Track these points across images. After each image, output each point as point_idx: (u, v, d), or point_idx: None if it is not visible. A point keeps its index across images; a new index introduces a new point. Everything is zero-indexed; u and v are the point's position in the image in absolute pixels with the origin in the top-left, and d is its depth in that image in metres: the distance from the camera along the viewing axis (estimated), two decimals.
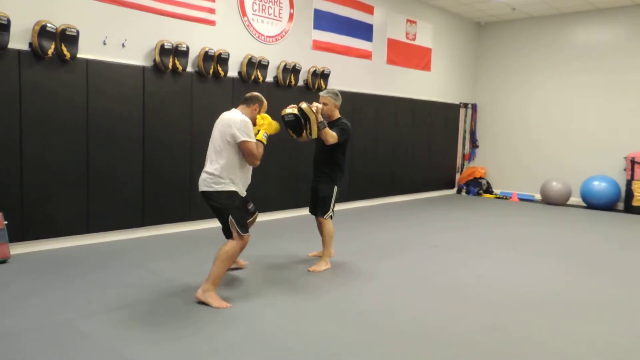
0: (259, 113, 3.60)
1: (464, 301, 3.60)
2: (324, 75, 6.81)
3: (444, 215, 7.29)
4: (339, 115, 4.18)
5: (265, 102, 3.64)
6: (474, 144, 10.14)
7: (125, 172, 5.03)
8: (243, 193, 3.47)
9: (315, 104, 3.99)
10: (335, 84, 7.09)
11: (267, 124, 3.59)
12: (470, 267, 4.52)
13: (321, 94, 4.15)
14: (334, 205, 4.14)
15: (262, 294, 3.56)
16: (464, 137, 10.04)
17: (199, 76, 5.54)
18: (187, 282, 3.80)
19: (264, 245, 4.91)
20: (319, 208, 4.15)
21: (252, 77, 5.97)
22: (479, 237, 5.82)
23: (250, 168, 3.50)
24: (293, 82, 6.43)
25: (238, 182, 3.39)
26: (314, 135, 3.93)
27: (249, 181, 3.53)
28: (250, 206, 3.92)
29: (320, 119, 3.94)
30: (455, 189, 9.94)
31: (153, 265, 4.18)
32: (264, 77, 6.10)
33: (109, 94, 4.86)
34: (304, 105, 3.90)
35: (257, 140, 3.44)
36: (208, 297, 3.28)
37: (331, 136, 3.98)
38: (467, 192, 9.64)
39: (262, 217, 6.18)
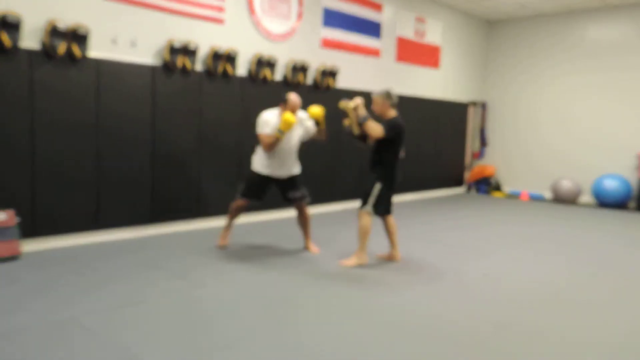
0: (286, 110, 4.35)
1: (471, 299, 3.57)
2: (333, 74, 6.77)
3: (452, 214, 7.24)
4: (395, 115, 4.15)
5: (291, 101, 4.34)
6: (483, 142, 10.06)
7: (135, 170, 5.03)
8: (273, 174, 4.45)
9: (356, 99, 4.16)
10: (344, 82, 7.06)
11: (282, 121, 4.21)
12: (478, 265, 4.50)
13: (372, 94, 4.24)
14: (376, 202, 4.14)
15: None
16: (474, 135, 9.96)
17: (208, 75, 5.52)
18: (195, 280, 3.78)
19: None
20: (361, 201, 4.22)
21: (261, 75, 5.93)
22: (487, 236, 5.78)
23: (287, 156, 4.40)
24: (302, 80, 6.39)
25: (263, 164, 4.44)
26: (356, 130, 4.18)
27: (284, 168, 4.43)
28: (293, 194, 4.50)
29: (363, 113, 4.07)
30: (464, 187, 9.86)
31: (163, 263, 4.18)
32: (273, 75, 6.07)
33: (119, 94, 4.87)
34: (341, 103, 4.17)
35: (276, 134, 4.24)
36: None
37: (373, 129, 4.03)
38: (476, 191, 9.57)
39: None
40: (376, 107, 4.16)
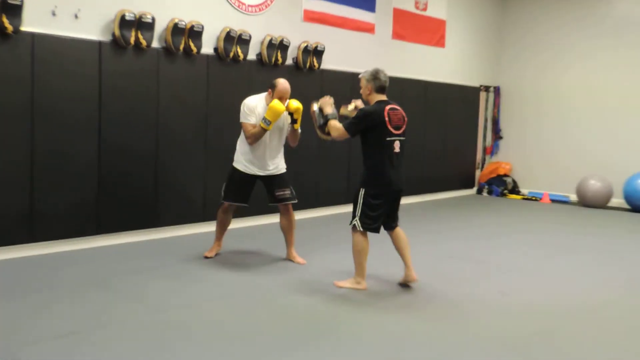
0: (272, 97, 4.50)
1: (483, 324, 3.64)
2: (318, 52, 6.82)
3: (462, 220, 7.33)
4: (380, 100, 4.11)
5: (280, 86, 4.51)
6: (497, 135, 10.21)
7: (78, 165, 5.04)
8: (254, 171, 4.62)
9: (355, 101, 4.32)
10: (331, 62, 7.12)
11: (269, 109, 4.37)
12: (493, 281, 4.58)
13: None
14: (362, 213, 4.02)
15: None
16: (485, 127, 10.11)
17: (167, 53, 5.55)
18: (154, 303, 3.81)
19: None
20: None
21: (231, 54, 5.98)
22: (503, 246, 5.87)
23: (272, 150, 4.59)
24: (280, 60, 6.44)
25: (244, 160, 4.63)
26: (320, 134, 4.29)
27: (269, 164, 4.61)
28: (279, 193, 4.65)
29: (329, 110, 4.18)
30: (475, 189, 10.00)
31: (114, 282, 4.20)
32: (245, 54, 6.11)
33: (59, 73, 4.87)
34: (342, 109, 4.33)
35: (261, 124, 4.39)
36: None
37: (334, 129, 4.13)
38: (489, 192, 9.71)
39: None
40: (361, 90, 4.21)
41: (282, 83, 4.55)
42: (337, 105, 4.35)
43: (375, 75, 4.09)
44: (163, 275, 4.40)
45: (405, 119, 4.13)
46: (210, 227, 5.96)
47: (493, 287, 4.41)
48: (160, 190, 5.60)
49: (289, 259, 4.90)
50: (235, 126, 6.33)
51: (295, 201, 4.79)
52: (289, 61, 6.65)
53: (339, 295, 4.05)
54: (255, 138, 4.50)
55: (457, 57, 9.34)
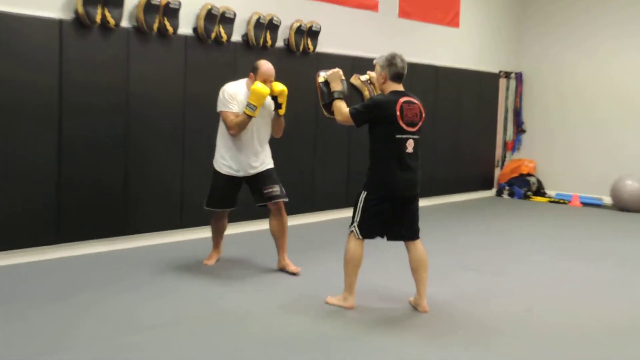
0: (255, 80, 4.53)
1: (506, 348, 3.59)
2: (313, 33, 6.76)
3: (479, 227, 7.27)
4: (395, 90, 4.01)
5: (263, 67, 4.57)
6: (519, 128, 10.14)
7: (34, 166, 4.94)
8: (238, 173, 4.67)
9: (337, 70, 4.27)
10: (328, 44, 7.05)
11: (252, 92, 4.42)
12: (517, 296, 4.53)
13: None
14: (361, 219, 4.00)
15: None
16: (506, 119, 10.02)
17: (139, 34, 5.49)
18: (128, 325, 3.72)
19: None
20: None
21: (213, 35, 5.90)
22: (527, 256, 5.81)
23: (255, 144, 4.62)
24: (269, 42, 6.38)
25: (224, 160, 4.69)
26: (324, 111, 4.28)
27: (253, 161, 4.63)
28: (267, 191, 4.65)
29: (337, 87, 4.16)
30: (494, 190, 9.92)
31: (71, 298, 4.13)
32: (229, 35, 6.05)
33: (9, 57, 4.79)
34: (353, 79, 4.35)
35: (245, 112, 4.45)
36: None
37: (339, 112, 4.10)
38: (511, 194, 9.64)
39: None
40: (375, 79, 4.17)
41: (265, 64, 4.60)
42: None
43: (390, 61, 4.01)
44: (131, 289, 4.36)
45: (423, 114, 4.04)
46: (188, 235, 5.97)
47: (517, 304, 4.35)
48: (131, 194, 5.54)
49: (281, 268, 4.87)
50: (218, 119, 6.24)
51: (286, 199, 4.77)
52: (279, 43, 6.58)
53: (330, 313, 3.98)
54: (239, 128, 4.52)
55: (473, 38, 9.25)
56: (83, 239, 5.28)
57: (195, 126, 5.90)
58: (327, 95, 4.19)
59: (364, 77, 4.32)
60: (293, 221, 6.67)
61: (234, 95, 4.57)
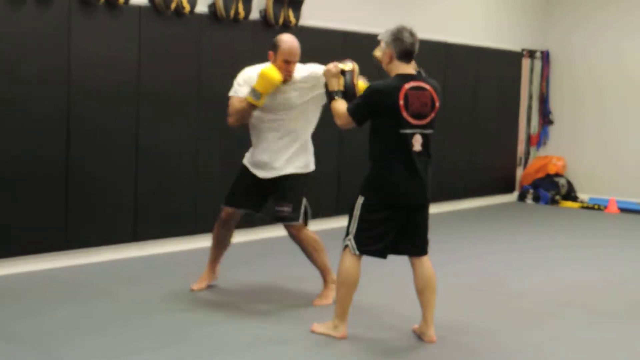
0: (274, 62, 4.51)
1: None
2: (295, 3, 6.79)
3: (497, 239, 7.31)
4: (401, 72, 4.01)
5: (285, 45, 4.49)
6: (546, 119, 10.22)
7: None
8: (257, 170, 4.68)
9: (347, 63, 4.32)
10: (313, 16, 7.06)
11: (259, 76, 4.41)
12: (540, 323, 4.58)
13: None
14: (357, 230, 4.01)
15: None
16: (530, 107, 10.10)
17: (83, 4, 5.48)
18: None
19: None
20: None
21: (173, 4, 5.91)
22: (555, 273, 5.86)
23: (274, 140, 4.61)
24: (242, 13, 6.39)
25: (252, 151, 4.73)
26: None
27: (268, 161, 4.62)
28: (277, 208, 4.63)
29: (333, 86, 4.21)
30: (516, 194, 9.99)
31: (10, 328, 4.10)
32: (193, 5, 6.05)
33: None
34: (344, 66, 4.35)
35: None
36: None
37: (336, 113, 4.12)
38: (536, 199, 9.72)
39: None
40: (381, 58, 4.15)
41: (288, 40, 4.51)
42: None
43: (396, 35, 3.99)
44: (69, 321, 4.32)
45: (437, 104, 4.02)
46: (144, 250, 5.97)
47: (540, 331, 4.37)
48: (73, 203, 5.53)
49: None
50: (182, 113, 6.24)
51: (296, 222, 4.64)
52: (254, 15, 6.59)
53: (318, 344, 4.00)
54: (238, 117, 4.57)
55: (490, 9, 9.33)
56: (14, 255, 5.27)
57: (151, 123, 5.90)
58: (334, 94, 4.20)
59: (346, 66, 4.30)
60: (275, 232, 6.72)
61: (249, 79, 4.55)
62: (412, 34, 4.01)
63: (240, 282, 5.22)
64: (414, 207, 4.05)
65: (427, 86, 4.00)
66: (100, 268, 5.52)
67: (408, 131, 3.92)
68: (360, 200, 4.02)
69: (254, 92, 4.41)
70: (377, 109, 3.94)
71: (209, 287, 4.95)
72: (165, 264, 5.73)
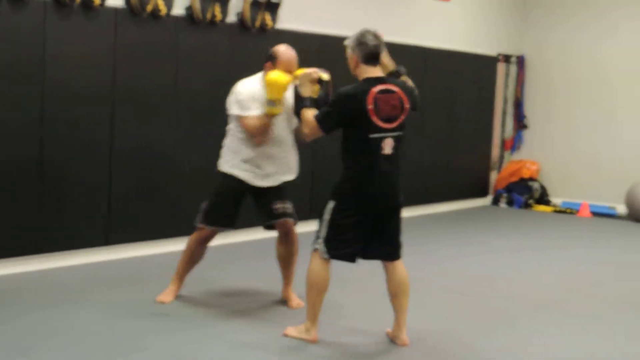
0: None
1: None
2: (272, 6, 6.80)
3: (470, 242, 7.39)
4: (369, 76, 4.01)
5: (284, 56, 4.52)
6: (520, 123, 10.31)
7: None
8: (254, 181, 4.60)
9: (313, 71, 4.26)
10: (291, 20, 7.08)
11: (269, 84, 4.38)
12: (514, 324, 4.63)
13: None
14: (327, 234, 4.01)
15: None
16: (505, 112, 10.21)
17: (58, 5, 5.46)
18: None
19: None
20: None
21: (150, 7, 5.90)
22: (528, 276, 5.94)
23: (278, 148, 4.61)
24: (218, 16, 6.40)
25: (239, 161, 4.60)
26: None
27: (274, 169, 4.61)
28: (276, 206, 4.62)
29: (306, 92, 4.15)
30: (489, 198, 10.08)
31: None
32: (169, 7, 6.06)
33: None
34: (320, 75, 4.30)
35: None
36: None
37: (305, 122, 4.08)
38: (509, 203, 9.80)
39: None
40: (349, 64, 4.17)
41: (286, 52, 4.55)
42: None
43: (360, 39, 3.99)
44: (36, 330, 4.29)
45: (406, 105, 4.00)
46: (115, 254, 5.96)
47: (514, 334, 4.45)
48: (46, 206, 5.52)
49: (284, 298, 4.90)
50: (158, 115, 6.24)
51: (296, 219, 4.77)
52: (231, 18, 6.60)
53: (292, 348, 4.02)
54: (262, 132, 4.49)
55: (467, 14, 9.39)
56: None
57: (126, 124, 5.90)
58: (296, 103, 4.18)
59: (325, 76, 4.27)
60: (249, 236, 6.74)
61: (253, 94, 4.51)
62: (375, 36, 4.00)
63: (210, 287, 5.23)
64: (385, 211, 4.06)
65: (395, 88, 3.99)
66: (73, 272, 5.49)
67: (378, 135, 3.91)
68: (331, 204, 4.02)
69: (270, 102, 4.38)
70: (347, 115, 3.91)
71: (177, 298, 4.83)
72: (139, 268, 5.72)
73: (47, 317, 4.42)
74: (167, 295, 4.80)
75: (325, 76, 4.26)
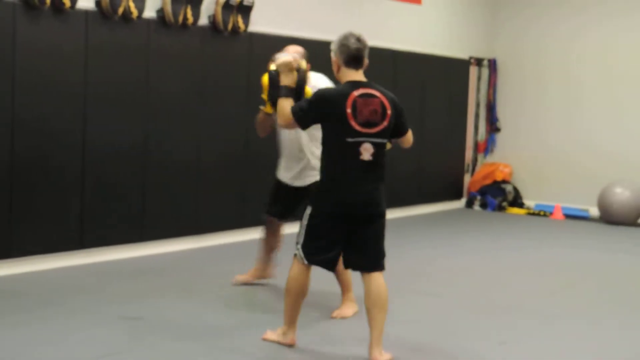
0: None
1: None
2: (244, 8, 6.80)
3: (443, 244, 7.42)
4: (350, 79, 3.96)
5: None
6: (492, 126, 10.37)
7: None
8: (286, 179, 5.01)
9: (291, 53, 4.26)
10: (263, 23, 7.09)
11: (263, 85, 4.50)
12: (489, 328, 4.68)
13: None
14: (303, 239, 3.98)
15: None
16: (477, 115, 10.25)
17: (28, 7, 5.43)
18: None
19: None
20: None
21: (121, 9, 5.89)
22: (500, 279, 6.00)
23: (292, 150, 4.90)
24: (190, 19, 6.40)
25: (281, 163, 5.06)
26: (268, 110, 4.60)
27: (291, 171, 4.95)
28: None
29: (286, 81, 4.07)
30: (463, 201, 10.12)
31: None
32: (141, 10, 6.05)
33: None
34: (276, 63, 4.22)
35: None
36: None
37: (280, 112, 4.04)
38: (483, 205, 9.86)
39: None
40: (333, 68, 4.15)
41: (282, 53, 4.50)
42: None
43: (342, 42, 3.93)
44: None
45: (388, 112, 3.90)
46: (91, 258, 5.94)
47: (487, 335, 4.49)
48: (17, 208, 5.49)
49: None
50: (129, 116, 6.22)
51: None
52: (203, 20, 6.60)
53: (268, 355, 4.02)
54: (258, 128, 4.95)
55: (438, 17, 9.42)
56: None
57: (99, 124, 5.88)
58: (272, 91, 4.16)
59: (303, 64, 4.24)
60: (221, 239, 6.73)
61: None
62: (359, 39, 3.93)
63: (192, 290, 5.23)
64: (362, 219, 3.94)
65: (377, 93, 3.91)
66: (46, 276, 5.46)
67: (356, 140, 3.82)
68: (308, 209, 3.99)
69: (263, 101, 4.63)
70: (324, 116, 3.88)
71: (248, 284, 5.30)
72: (112, 272, 5.69)
73: (23, 321, 4.38)
74: (244, 275, 5.41)
75: (303, 64, 4.23)
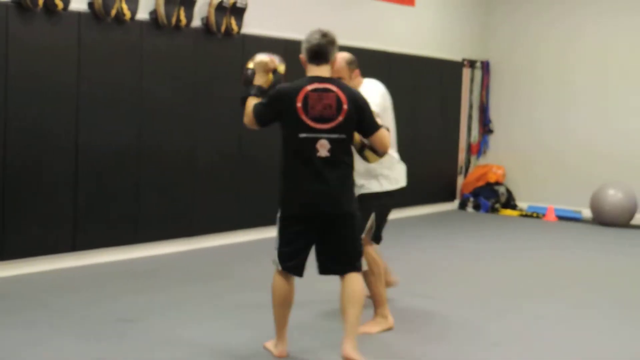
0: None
1: None
2: (237, 10, 6.82)
3: (440, 246, 7.45)
4: (310, 74, 3.86)
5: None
6: (485, 128, 10.41)
7: None
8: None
9: (269, 60, 4.06)
10: (256, 25, 7.12)
11: None
12: (482, 330, 4.70)
13: None
14: (278, 244, 3.86)
15: None
16: (470, 116, 10.29)
17: (20, 9, 5.44)
18: None
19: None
20: None
21: (113, 11, 5.91)
22: (495, 281, 6.02)
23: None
24: (183, 20, 6.42)
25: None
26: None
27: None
28: None
29: (257, 81, 3.99)
30: (456, 202, 10.17)
31: None
32: (133, 12, 6.07)
33: None
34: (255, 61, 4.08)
35: None
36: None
37: (246, 112, 3.94)
38: (476, 207, 9.91)
39: None
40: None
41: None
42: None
43: (306, 39, 3.88)
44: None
45: (345, 107, 3.72)
46: (83, 260, 5.93)
47: (479, 337, 4.51)
48: (9, 210, 5.49)
49: None
50: (122, 118, 6.22)
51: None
52: (196, 22, 6.63)
53: None
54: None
55: (431, 19, 9.46)
56: None
57: (92, 125, 5.89)
58: (244, 90, 4.02)
59: (281, 67, 4.10)
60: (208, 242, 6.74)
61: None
62: (324, 35, 3.84)
63: (186, 292, 5.24)
64: (327, 220, 3.82)
65: (333, 87, 3.75)
66: (38, 279, 5.46)
67: (309, 135, 3.72)
68: (278, 213, 3.90)
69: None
70: (278, 112, 3.79)
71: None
72: (105, 274, 5.70)
73: (12, 323, 4.39)
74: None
75: (281, 67, 4.11)
